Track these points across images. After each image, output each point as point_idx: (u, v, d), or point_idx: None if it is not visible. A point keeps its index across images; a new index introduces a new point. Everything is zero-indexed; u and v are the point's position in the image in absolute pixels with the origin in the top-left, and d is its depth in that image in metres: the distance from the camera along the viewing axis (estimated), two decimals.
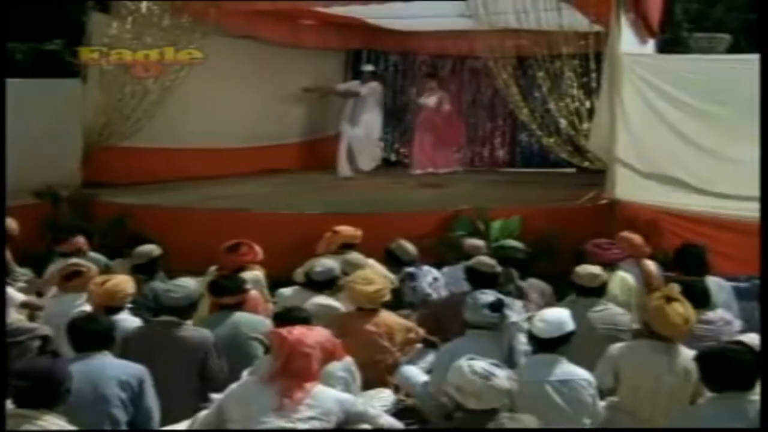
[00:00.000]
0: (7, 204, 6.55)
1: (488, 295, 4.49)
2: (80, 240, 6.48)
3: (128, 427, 3.83)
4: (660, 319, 4.19)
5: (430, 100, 10.37)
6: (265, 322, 4.78)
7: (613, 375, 4.18)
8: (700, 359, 3.70)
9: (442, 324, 5.04)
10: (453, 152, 10.98)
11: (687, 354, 4.09)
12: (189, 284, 4.68)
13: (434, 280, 6.17)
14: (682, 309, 4.22)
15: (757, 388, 3.51)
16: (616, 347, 4.28)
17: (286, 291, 5.69)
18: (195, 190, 9.27)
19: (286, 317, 4.29)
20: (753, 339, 3.96)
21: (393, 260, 6.29)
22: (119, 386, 3.81)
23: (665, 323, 4.18)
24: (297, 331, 3.70)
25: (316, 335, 3.72)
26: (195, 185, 9.56)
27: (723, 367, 3.56)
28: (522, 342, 4.34)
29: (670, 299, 4.24)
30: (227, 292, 4.89)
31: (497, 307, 4.40)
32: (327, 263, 5.60)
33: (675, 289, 4.44)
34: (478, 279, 5.24)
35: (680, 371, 4.08)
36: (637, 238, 6.13)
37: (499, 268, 5.40)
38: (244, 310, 4.90)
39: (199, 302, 4.70)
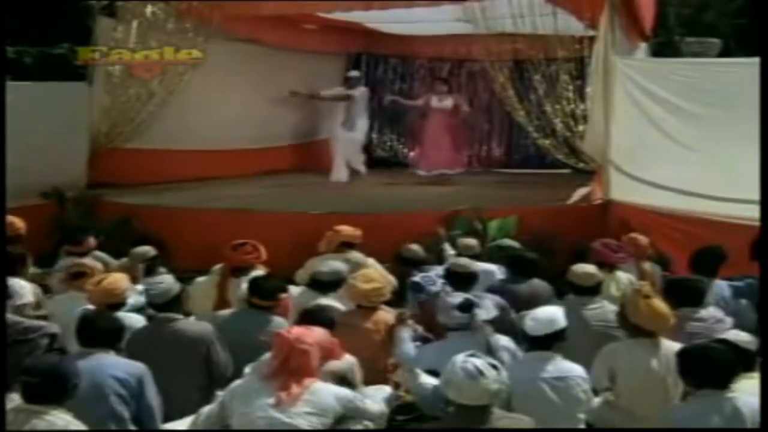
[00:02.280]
0: (14, 204, 6.60)
1: (456, 297, 4.48)
2: (91, 241, 6.59)
3: (133, 423, 3.87)
4: (649, 315, 4.25)
5: (447, 103, 10.53)
6: (284, 326, 4.61)
7: (608, 376, 4.21)
8: (680, 356, 3.79)
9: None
10: (462, 153, 11.09)
11: (674, 347, 4.14)
12: (165, 280, 4.71)
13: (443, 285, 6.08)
14: (661, 303, 4.33)
15: (735, 385, 3.61)
16: (607, 348, 4.30)
17: (293, 289, 5.68)
18: (199, 191, 9.34)
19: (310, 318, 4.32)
20: (738, 335, 4.05)
21: (402, 262, 6.27)
22: (117, 383, 3.84)
23: (655, 319, 4.26)
24: (296, 330, 3.78)
25: (315, 334, 3.78)
26: (198, 186, 9.63)
27: (700, 365, 3.65)
28: (501, 338, 4.34)
29: (647, 296, 4.31)
30: (259, 294, 4.89)
31: (466, 307, 4.36)
32: (334, 265, 5.63)
33: (646, 287, 4.51)
34: (456, 280, 5.31)
35: (671, 365, 4.09)
36: (643, 240, 6.18)
37: (474, 269, 5.39)
38: (276, 314, 4.89)
39: (179, 297, 4.65)
